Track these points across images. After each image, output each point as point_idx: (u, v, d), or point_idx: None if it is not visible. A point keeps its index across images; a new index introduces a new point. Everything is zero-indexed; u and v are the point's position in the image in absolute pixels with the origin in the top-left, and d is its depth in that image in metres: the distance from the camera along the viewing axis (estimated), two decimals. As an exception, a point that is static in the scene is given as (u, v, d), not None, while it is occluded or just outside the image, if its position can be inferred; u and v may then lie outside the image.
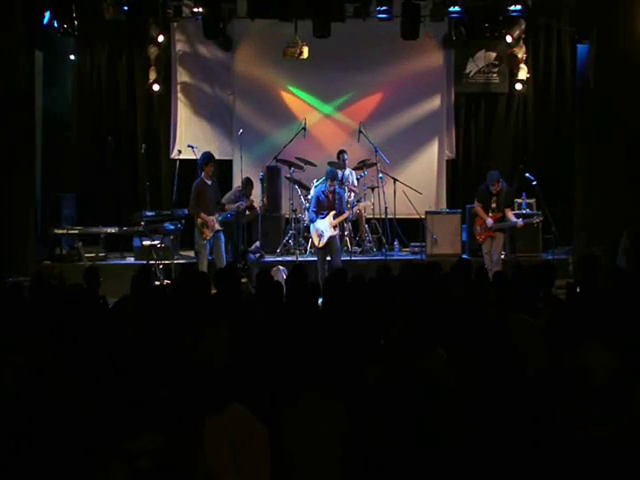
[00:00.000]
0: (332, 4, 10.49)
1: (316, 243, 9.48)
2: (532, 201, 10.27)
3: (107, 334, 4.54)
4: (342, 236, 10.30)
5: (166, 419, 3.16)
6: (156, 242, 9.89)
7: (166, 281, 8.88)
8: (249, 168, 10.69)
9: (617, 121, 9.54)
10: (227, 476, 3.16)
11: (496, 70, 12.11)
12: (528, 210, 10.47)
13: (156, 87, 11.76)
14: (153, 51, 11.65)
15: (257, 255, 10.17)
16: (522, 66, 11.69)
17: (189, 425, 3.25)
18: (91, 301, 5.63)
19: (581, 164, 10.32)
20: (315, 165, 11.12)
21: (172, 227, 9.89)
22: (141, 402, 3.25)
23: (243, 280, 8.52)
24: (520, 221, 9.21)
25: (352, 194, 10.84)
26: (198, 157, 9.46)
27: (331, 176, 9.54)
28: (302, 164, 11.07)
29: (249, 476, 3.21)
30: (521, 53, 11.65)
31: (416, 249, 10.78)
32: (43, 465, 3.10)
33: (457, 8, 10.92)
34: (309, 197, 10.59)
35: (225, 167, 11.84)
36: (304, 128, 10.92)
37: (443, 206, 11.89)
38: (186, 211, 10.43)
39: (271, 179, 11.28)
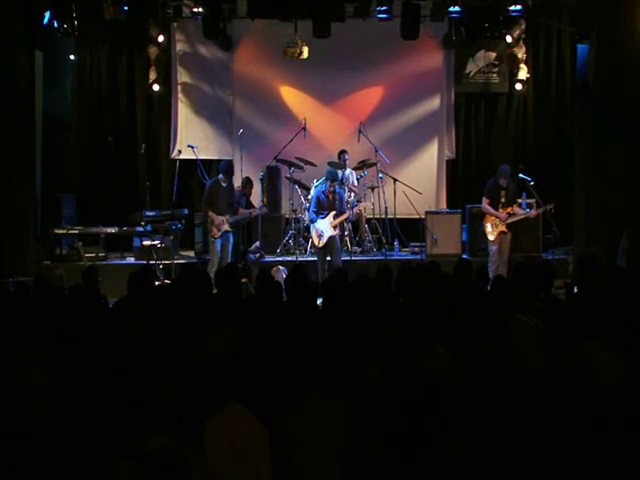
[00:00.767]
0: (332, 4, 10.47)
1: (316, 243, 9.49)
2: (532, 201, 10.25)
3: (107, 334, 4.54)
4: (342, 236, 10.29)
5: (172, 419, 3.16)
6: (156, 242, 9.91)
7: (166, 281, 8.89)
8: (249, 168, 10.67)
9: (617, 121, 9.53)
10: (227, 476, 3.17)
11: (496, 70, 12.09)
12: (529, 210, 10.45)
13: (156, 87, 11.75)
14: (153, 51, 11.64)
15: (257, 255, 10.17)
16: (522, 66, 11.67)
17: (190, 425, 3.25)
18: (91, 301, 5.63)
19: (581, 164, 10.31)
20: (315, 165, 11.11)
21: (173, 227, 9.92)
22: (141, 402, 3.24)
23: (243, 280, 8.52)
24: (533, 211, 9.24)
25: (352, 194, 10.84)
26: (198, 157, 9.45)
27: (331, 177, 9.55)
28: (302, 164, 11.06)
29: (249, 476, 3.21)
30: (521, 53, 11.63)
31: (416, 249, 10.77)
32: (48, 466, 3.10)
33: (457, 8, 10.92)
34: (309, 197, 10.59)
35: (225, 167, 11.86)
36: (304, 128, 10.91)
37: (443, 206, 11.88)
38: (186, 211, 10.47)
39: (271, 179, 11.27)
